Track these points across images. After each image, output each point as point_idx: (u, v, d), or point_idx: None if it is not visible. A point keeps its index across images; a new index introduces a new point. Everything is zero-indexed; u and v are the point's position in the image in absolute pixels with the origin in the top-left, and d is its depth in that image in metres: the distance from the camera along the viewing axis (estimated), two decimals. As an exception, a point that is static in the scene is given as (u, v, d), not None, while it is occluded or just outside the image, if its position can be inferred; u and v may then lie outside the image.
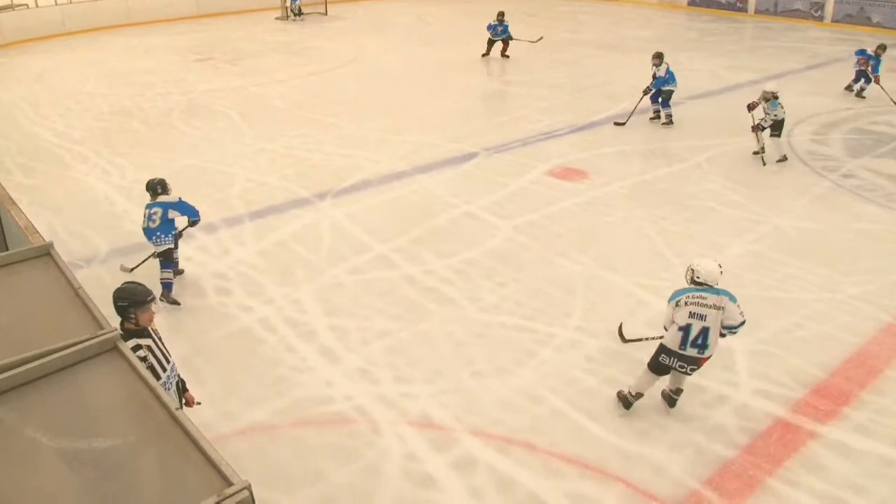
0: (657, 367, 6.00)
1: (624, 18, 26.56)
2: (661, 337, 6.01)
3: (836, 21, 24.86)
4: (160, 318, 7.19)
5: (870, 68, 15.61)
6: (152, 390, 3.18)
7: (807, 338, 7.26)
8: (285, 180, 10.92)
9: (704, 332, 5.77)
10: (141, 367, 3.36)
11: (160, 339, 4.80)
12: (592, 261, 8.54)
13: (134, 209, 9.79)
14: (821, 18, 25.25)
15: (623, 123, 13.72)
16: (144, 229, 7.77)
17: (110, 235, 9.15)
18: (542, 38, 19.77)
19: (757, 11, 26.84)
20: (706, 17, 27.02)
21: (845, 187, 10.93)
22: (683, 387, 6.18)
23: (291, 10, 25.70)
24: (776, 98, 11.50)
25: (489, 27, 18.95)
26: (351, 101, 15.47)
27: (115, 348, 3.48)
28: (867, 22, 24.20)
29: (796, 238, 9.26)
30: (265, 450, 5.71)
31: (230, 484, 2.66)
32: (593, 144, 12.63)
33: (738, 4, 27.35)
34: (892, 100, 14.87)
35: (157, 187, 7.86)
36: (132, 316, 4.61)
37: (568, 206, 10.03)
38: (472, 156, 11.97)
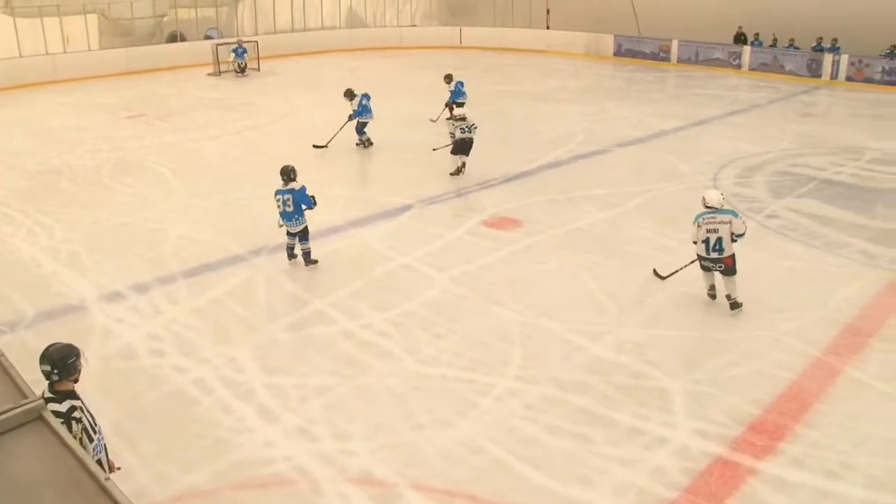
0: (702, 268, 8.67)
1: (553, 70, 27.25)
2: (694, 261, 8.71)
3: (752, 69, 25.96)
4: (91, 381, 7.02)
5: None
6: (80, 461, 3.09)
7: (741, 375, 7.42)
8: (220, 237, 10.80)
9: (719, 240, 8.31)
10: (68, 436, 3.26)
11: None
12: (528, 309, 8.63)
13: (63, 270, 9.57)
14: (739, 67, 26.35)
15: (323, 146, 15.41)
16: (282, 213, 9.53)
17: (37, 298, 8.89)
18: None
19: (679, 61, 27.86)
20: (632, 67, 27.92)
21: (770, 227, 11.31)
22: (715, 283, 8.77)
23: (238, 66, 25.57)
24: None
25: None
26: (285, 156, 15.35)
27: (40, 417, 3.38)
28: (781, 70, 25.34)
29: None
30: (203, 516, 5.56)
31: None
32: (526, 193, 12.83)
33: (661, 54, 28.36)
34: None
35: (290, 173, 9.59)
36: (56, 377, 4.47)
37: (503, 256, 10.14)
38: (406, 208, 12.04)
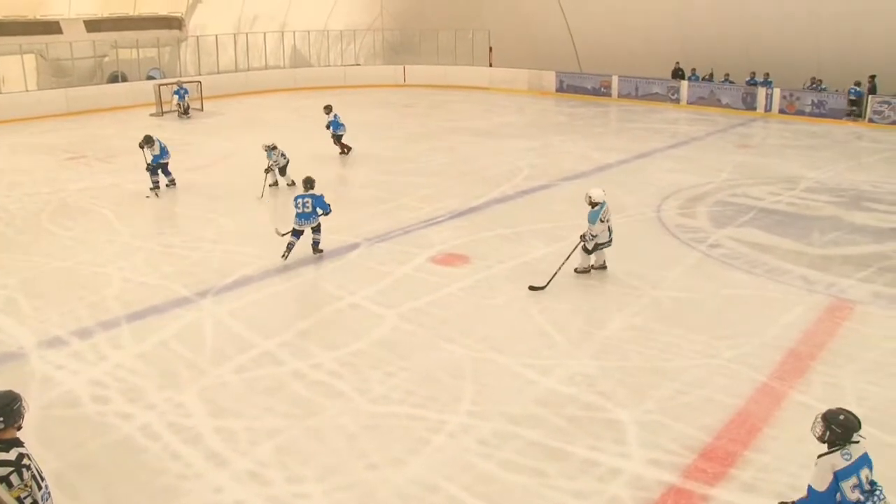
0: (595, 249, 10.65)
1: (497, 106, 27.63)
2: (564, 263, 10.40)
3: (690, 103, 26.68)
4: (30, 431, 6.79)
5: None
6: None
7: (690, 403, 7.52)
8: (165, 279, 10.62)
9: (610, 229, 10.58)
10: (4, 492, 3.15)
11: None
12: (479, 344, 8.64)
13: (2, 319, 9.28)
14: (678, 101, 27.06)
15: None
16: (299, 214, 11.26)
17: (-25, 348, 8.61)
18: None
19: (620, 95, 28.52)
20: (573, 102, 28.47)
21: (713, 256, 11.56)
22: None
23: (180, 107, 25.26)
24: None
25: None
26: (228, 196, 15.31)
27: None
28: (717, 103, 26.09)
29: (673, 308, 9.68)
30: (151, 566, 5.39)
31: None
32: (474, 229, 12.92)
33: (602, 90, 28.98)
34: None
35: (311, 183, 11.56)
36: (1, 425, 4.33)
37: (452, 292, 10.16)
38: (354, 246, 12.01)
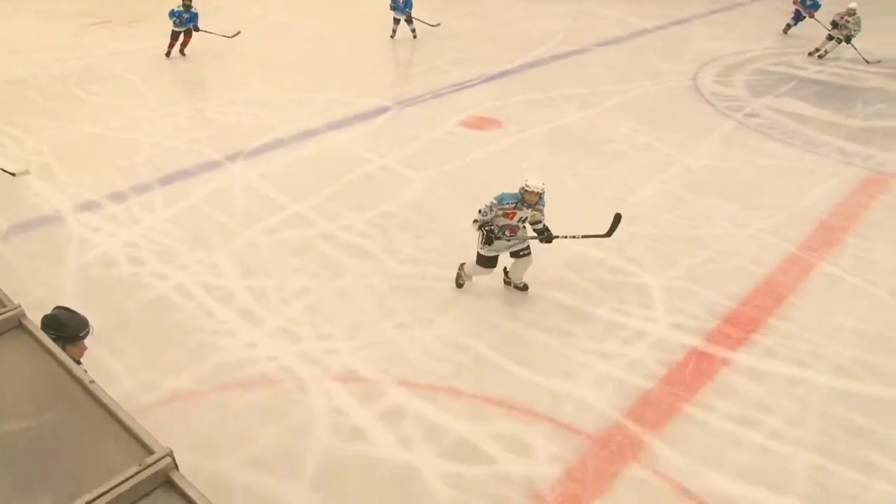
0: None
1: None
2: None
3: (735, -36, 25.33)
4: (70, 291, 6.99)
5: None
6: (63, 365, 3.06)
7: (718, 270, 7.50)
8: (194, 143, 10.61)
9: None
10: (49, 342, 3.22)
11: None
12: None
13: (35, 182, 9.37)
14: (721, -38, 25.69)
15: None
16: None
17: (10, 211, 8.73)
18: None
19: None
20: (611, -36, 27.22)
21: (749, 126, 11.25)
22: None
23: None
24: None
25: None
26: (258, 60, 15.08)
27: (20, 325, 3.34)
28: (765, -36, 24.75)
29: (706, 176, 9.52)
30: (189, 417, 5.59)
31: (151, 452, 2.60)
32: (506, 93, 12.65)
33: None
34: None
35: None
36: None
37: (482, 156, 10.05)
38: (383, 110, 11.85)
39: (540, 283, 7.15)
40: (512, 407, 5.68)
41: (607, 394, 5.86)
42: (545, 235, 6.75)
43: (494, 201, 6.55)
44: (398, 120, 11.42)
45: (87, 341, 4.20)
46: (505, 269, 7.17)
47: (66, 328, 4.09)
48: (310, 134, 10.88)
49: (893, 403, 5.95)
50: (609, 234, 6.83)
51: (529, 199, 6.46)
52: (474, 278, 7.18)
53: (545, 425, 5.53)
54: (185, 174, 9.62)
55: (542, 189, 6.45)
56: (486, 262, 6.82)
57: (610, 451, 5.39)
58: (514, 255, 6.87)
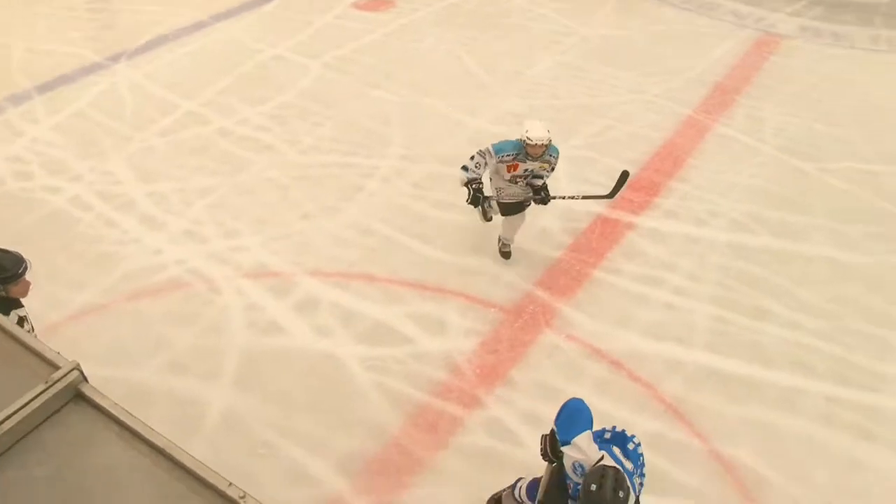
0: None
1: None
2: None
3: None
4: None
5: None
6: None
7: (617, 138, 7.68)
8: (71, 45, 9.96)
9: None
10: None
11: None
12: (406, 88, 8.50)
13: None
14: None
15: None
16: None
17: None
18: None
19: None
20: None
21: (642, -10, 11.25)
22: None
23: None
24: None
25: None
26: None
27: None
28: None
29: (602, 46, 9.57)
30: (101, 330, 5.48)
31: (57, 367, 2.56)
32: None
33: None
34: None
35: None
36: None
37: (377, 38, 9.81)
38: (269, -3, 11.35)
39: (443, 161, 7.16)
40: (424, 287, 5.80)
41: (517, 265, 6.03)
42: (541, 196, 5.78)
43: (490, 150, 5.58)
44: (287, 6, 10.95)
45: (27, 276, 3.96)
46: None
47: (2, 269, 3.85)
48: (196, 27, 10.35)
49: (782, 253, 6.33)
50: (612, 194, 5.91)
51: (533, 153, 5.54)
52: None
53: (458, 301, 5.68)
54: (65, 79, 9.06)
55: (548, 139, 5.47)
56: (505, 209, 5.89)
57: (523, 320, 5.59)
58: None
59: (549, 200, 5.79)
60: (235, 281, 5.85)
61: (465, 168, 5.59)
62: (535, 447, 4.69)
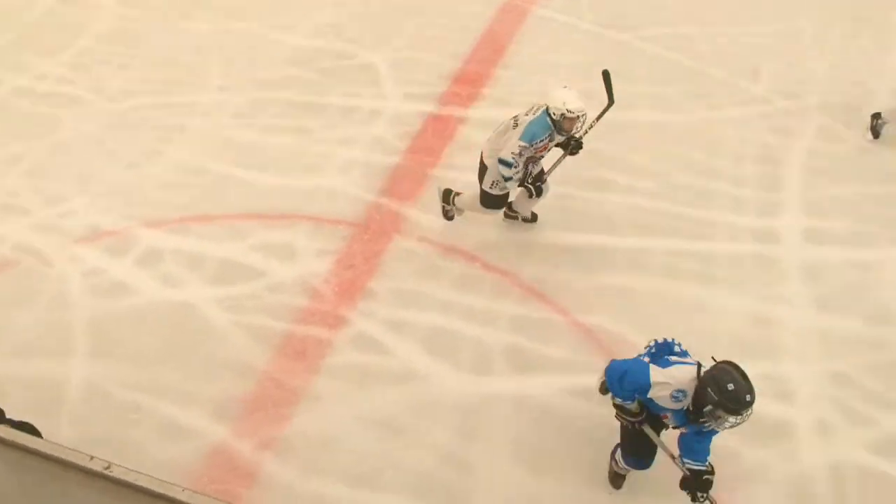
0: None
1: None
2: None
3: None
4: None
5: None
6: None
7: (438, 35, 7.65)
8: None
9: None
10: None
11: None
12: (215, 14, 8.02)
13: None
14: None
15: None
16: None
17: None
18: None
19: None
20: None
21: None
22: None
23: None
24: None
25: None
26: None
27: None
28: None
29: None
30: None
31: None
32: None
33: None
34: None
35: None
36: None
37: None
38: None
39: (265, 85, 6.96)
40: (266, 216, 5.69)
41: (356, 178, 6.01)
42: (573, 144, 5.17)
43: (524, 143, 4.96)
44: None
45: None
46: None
47: None
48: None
49: (612, 123, 6.52)
50: (612, 97, 5.27)
51: (568, 126, 4.95)
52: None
53: (304, 225, 5.63)
54: None
55: (584, 110, 4.92)
56: (495, 202, 5.37)
57: (372, 231, 5.62)
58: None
59: (581, 144, 5.21)
60: (68, 248, 5.51)
61: (509, 173, 5.05)
62: (405, 354, 4.86)
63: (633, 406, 3.69)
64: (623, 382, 3.58)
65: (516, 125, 5.04)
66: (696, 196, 6.03)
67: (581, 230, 5.70)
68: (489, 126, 6.36)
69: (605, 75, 5.25)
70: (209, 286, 5.20)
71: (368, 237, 5.56)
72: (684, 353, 3.73)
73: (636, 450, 3.92)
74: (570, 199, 5.90)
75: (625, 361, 3.74)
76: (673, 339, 3.79)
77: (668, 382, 3.47)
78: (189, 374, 4.68)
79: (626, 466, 4.06)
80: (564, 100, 4.83)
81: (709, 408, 3.34)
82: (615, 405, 3.76)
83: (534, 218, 5.73)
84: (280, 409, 4.54)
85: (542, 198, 5.40)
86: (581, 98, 4.89)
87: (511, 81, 7.03)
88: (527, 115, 5.03)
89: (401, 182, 5.99)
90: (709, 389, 3.32)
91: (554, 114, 4.87)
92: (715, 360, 3.44)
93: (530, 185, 5.22)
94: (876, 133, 6.54)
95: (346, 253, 5.45)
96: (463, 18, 7.80)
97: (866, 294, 5.37)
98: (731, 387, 3.27)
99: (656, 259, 5.52)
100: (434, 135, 6.43)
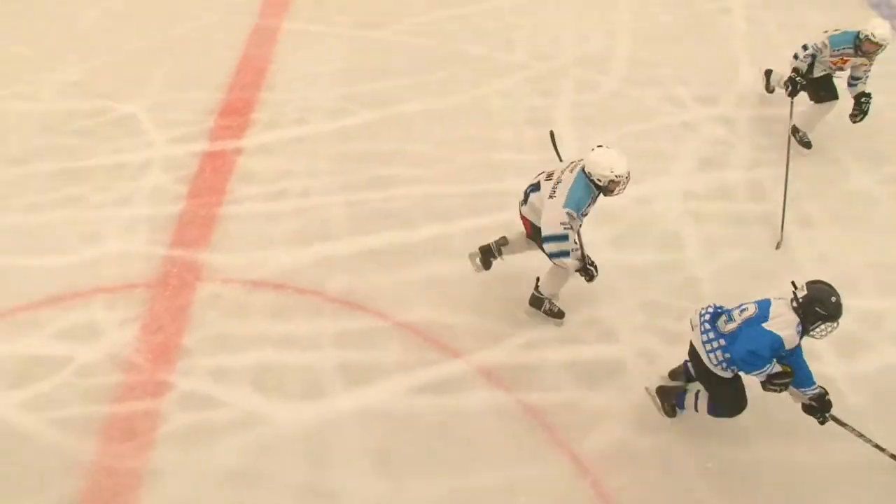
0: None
1: None
2: None
3: None
4: None
5: None
6: None
7: (192, 70, 7.39)
8: None
9: None
10: None
11: None
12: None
13: None
14: None
15: None
16: None
17: None
18: None
19: None
20: None
21: None
22: None
23: None
24: None
25: None
26: None
27: None
28: None
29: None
30: None
31: None
32: None
33: None
34: None
35: None
36: None
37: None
38: None
39: (17, 162, 6.39)
40: (56, 300, 5.24)
41: (142, 235, 5.72)
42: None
43: (572, 210, 4.50)
44: None
45: None
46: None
47: None
48: None
49: (383, 120, 6.74)
50: (560, 158, 5.03)
51: (614, 189, 4.56)
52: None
53: (99, 298, 5.27)
54: None
55: (629, 168, 4.52)
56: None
57: (172, 287, 5.38)
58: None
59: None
60: None
61: (569, 249, 4.61)
62: (236, 400, 4.69)
63: (779, 369, 3.93)
64: (759, 355, 3.79)
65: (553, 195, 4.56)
66: (486, 171, 6.24)
67: (376, 231, 5.76)
68: (266, 151, 6.36)
69: (551, 135, 5.20)
70: (11, 391, 4.69)
71: (169, 293, 5.30)
72: (733, 309, 4.01)
73: (737, 404, 4.19)
74: (356, 204, 5.94)
75: (731, 347, 3.91)
76: (714, 305, 4.09)
77: (785, 323, 3.79)
78: (8, 495, 4.24)
79: (719, 417, 4.31)
80: (611, 166, 4.43)
81: (819, 324, 3.79)
82: (765, 382, 3.95)
83: (560, 314, 5.15)
84: (122, 498, 4.22)
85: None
86: (623, 155, 4.52)
87: (278, 102, 6.96)
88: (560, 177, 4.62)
89: (189, 228, 5.75)
90: (817, 308, 3.75)
91: (600, 180, 4.49)
92: (795, 286, 3.86)
93: (591, 267, 4.81)
94: (771, 88, 6.98)
95: (150, 316, 5.16)
96: (215, 50, 7.59)
97: (651, 226, 5.81)
98: (833, 299, 3.75)
99: (457, 241, 5.61)
100: (213, 173, 6.23)
